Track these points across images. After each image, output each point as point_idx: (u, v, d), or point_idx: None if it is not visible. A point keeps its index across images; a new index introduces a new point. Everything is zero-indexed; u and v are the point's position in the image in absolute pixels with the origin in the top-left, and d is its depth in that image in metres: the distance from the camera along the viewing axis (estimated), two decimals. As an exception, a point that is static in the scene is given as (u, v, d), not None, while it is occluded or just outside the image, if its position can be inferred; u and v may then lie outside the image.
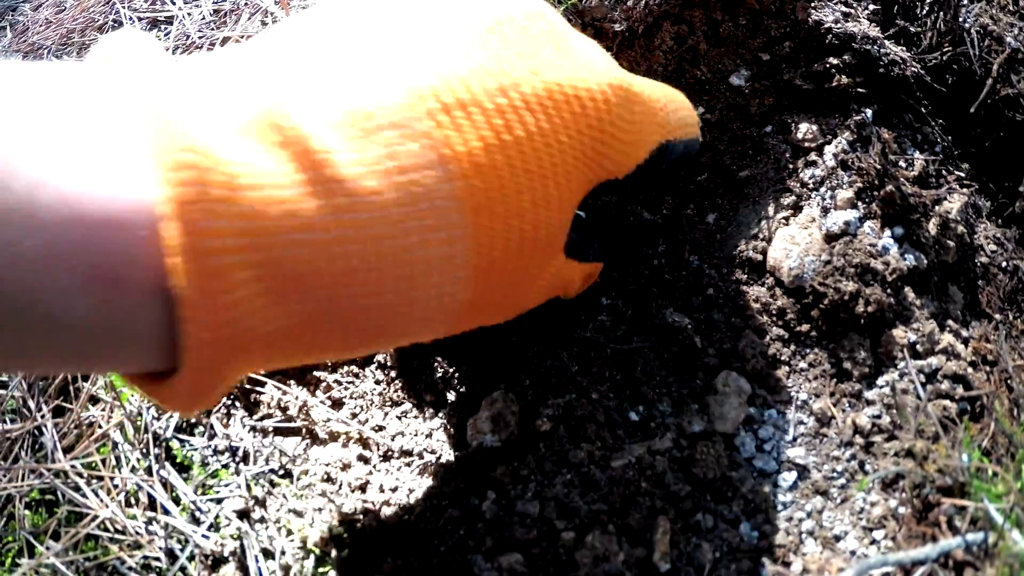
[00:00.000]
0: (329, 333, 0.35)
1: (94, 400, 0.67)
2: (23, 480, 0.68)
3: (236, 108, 0.32)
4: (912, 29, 0.76)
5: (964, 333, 0.61)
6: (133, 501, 0.59)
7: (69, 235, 0.27)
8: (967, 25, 0.76)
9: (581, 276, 0.53)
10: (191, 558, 0.57)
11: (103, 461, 0.61)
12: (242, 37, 0.76)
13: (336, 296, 0.33)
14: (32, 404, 0.72)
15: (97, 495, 0.60)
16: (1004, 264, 0.67)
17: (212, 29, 0.78)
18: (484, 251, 0.38)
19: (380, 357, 0.64)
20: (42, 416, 0.70)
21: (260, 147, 0.31)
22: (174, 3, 0.85)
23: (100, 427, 0.63)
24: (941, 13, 0.76)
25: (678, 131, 0.51)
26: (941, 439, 0.48)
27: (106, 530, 0.59)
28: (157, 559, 0.58)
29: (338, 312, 0.34)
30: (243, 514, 0.55)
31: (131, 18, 0.85)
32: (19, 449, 0.71)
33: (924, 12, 0.77)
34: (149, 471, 0.59)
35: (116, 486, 0.60)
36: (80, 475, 0.62)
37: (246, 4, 0.79)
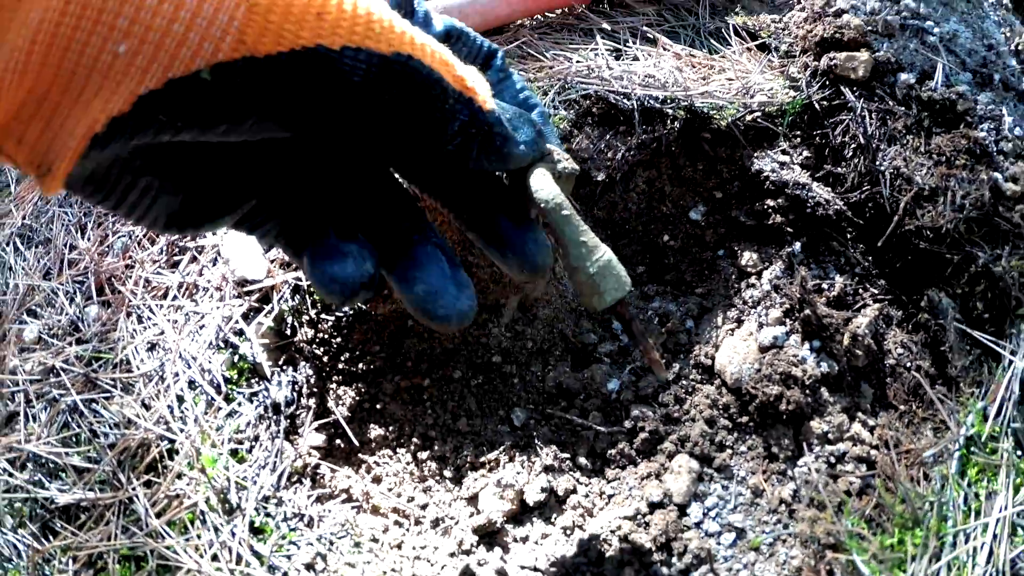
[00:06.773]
0: None
1: (179, 476, 0.83)
2: (114, 540, 0.84)
3: None
4: (838, 171, 0.94)
5: (871, 422, 0.78)
6: (219, 557, 0.75)
7: None
8: (883, 168, 0.94)
9: None
10: (264, 602, 0.72)
11: (192, 523, 0.77)
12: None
13: None
14: (123, 477, 0.88)
15: (186, 552, 0.76)
16: (909, 364, 0.84)
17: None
18: None
19: (416, 440, 0.81)
20: (132, 488, 0.86)
21: None
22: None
23: (188, 498, 0.79)
24: (863, 157, 0.94)
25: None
26: (827, 509, 0.64)
27: (193, 580, 0.75)
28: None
29: None
30: (310, 566, 0.71)
31: None
32: (110, 515, 0.87)
33: (850, 155, 0.95)
34: (232, 533, 0.75)
35: (203, 544, 0.76)
36: (170, 535, 0.78)
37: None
